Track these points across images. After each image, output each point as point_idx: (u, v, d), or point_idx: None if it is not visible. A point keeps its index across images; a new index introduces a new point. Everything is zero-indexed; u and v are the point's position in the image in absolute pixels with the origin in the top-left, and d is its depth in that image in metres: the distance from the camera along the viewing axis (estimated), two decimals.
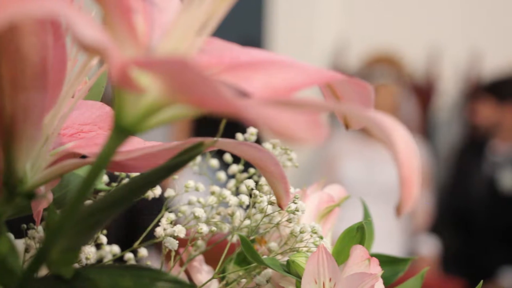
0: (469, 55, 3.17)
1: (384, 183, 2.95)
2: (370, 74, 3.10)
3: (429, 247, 2.79)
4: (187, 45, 0.33)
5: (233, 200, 0.47)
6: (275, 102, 0.30)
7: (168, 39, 0.33)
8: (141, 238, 0.48)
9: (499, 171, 2.80)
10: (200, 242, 0.50)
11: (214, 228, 0.47)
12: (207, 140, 0.38)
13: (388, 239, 2.93)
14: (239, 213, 0.49)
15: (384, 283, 0.52)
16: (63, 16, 0.26)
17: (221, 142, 0.39)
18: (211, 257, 0.53)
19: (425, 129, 3.22)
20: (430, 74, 3.21)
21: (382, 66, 3.20)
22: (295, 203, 0.45)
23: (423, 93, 3.19)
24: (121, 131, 0.33)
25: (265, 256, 0.46)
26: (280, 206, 0.41)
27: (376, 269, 0.44)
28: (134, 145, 0.41)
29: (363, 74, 3.23)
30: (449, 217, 2.89)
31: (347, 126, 0.39)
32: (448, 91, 3.30)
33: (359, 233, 0.45)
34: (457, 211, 2.88)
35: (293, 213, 0.45)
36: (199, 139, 0.37)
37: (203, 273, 0.49)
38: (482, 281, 0.45)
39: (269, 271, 0.46)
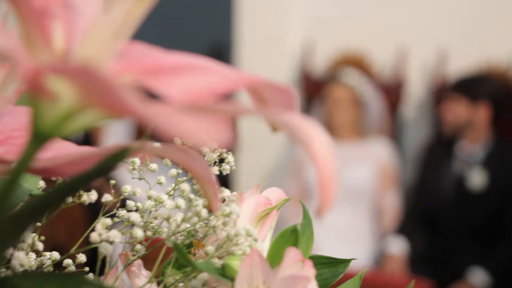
0: (436, 55, 3.20)
1: (354, 184, 2.97)
2: (336, 75, 3.12)
3: (397, 248, 2.81)
4: (104, 49, 0.33)
5: (169, 204, 0.47)
6: (188, 107, 0.30)
7: (85, 44, 0.33)
8: (77, 244, 0.48)
9: (467, 171, 2.82)
10: (139, 247, 0.50)
11: (149, 233, 0.46)
12: (134, 144, 0.37)
13: (359, 239, 2.94)
14: (179, 217, 0.49)
15: (324, 285, 0.52)
16: None
17: (149, 146, 0.39)
18: (152, 262, 0.52)
19: (393, 129, 3.24)
20: (398, 75, 3.23)
21: (348, 67, 3.21)
22: (229, 206, 0.45)
23: (391, 93, 3.21)
24: (39, 136, 0.33)
25: (201, 260, 0.46)
26: (210, 209, 0.41)
27: (309, 271, 0.44)
28: (63, 150, 0.41)
29: (329, 75, 3.24)
30: (417, 217, 2.90)
31: (273, 129, 0.39)
32: (416, 91, 3.32)
33: (293, 235, 0.45)
34: (424, 211, 2.90)
35: (228, 216, 0.45)
36: (125, 144, 0.37)
37: (141, 277, 0.49)
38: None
39: (205, 275, 0.46)
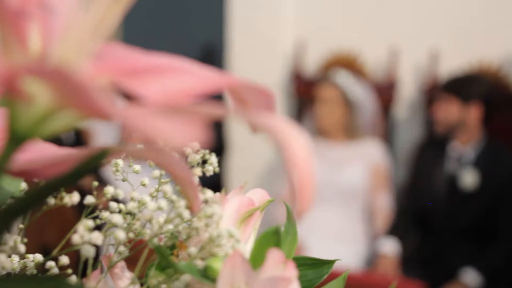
0: (428, 55, 3.20)
1: (346, 185, 2.97)
2: (327, 75, 3.12)
3: (389, 248, 2.81)
4: (80, 50, 0.33)
5: (151, 205, 0.47)
6: (165, 109, 0.30)
7: (61, 45, 0.33)
8: (60, 246, 0.48)
9: (459, 171, 2.83)
10: (122, 249, 0.50)
11: (131, 235, 0.46)
12: (113, 146, 0.37)
13: (351, 240, 2.95)
14: (162, 219, 0.49)
15: (308, 286, 0.52)
16: None
17: (129, 148, 0.39)
18: (137, 264, 0.52)
19: (385, 129, 3.24)
20: (390, 75, 3.24)
21: (339, 68, 3.21)
22: (211, 207, 0.45)
23: (384, 94, 3.21)
24: (16, 138, 0.33)
25: (184, 262, 0.46)
26: (191, 210, 0.41)
27: (292, 272, 0.44)
28: (43, 152, 0.40)
29: (321, 76, 3.24)
30: (409, 217, 2.90)
31: (253, 130, 0.39)
32: (408, 91, 3.33)
33: (276, 237, 0.45)
34: (416, 211, 2.90)
35: (210, 217, 0.45)
36: (104, 146, 0.37)
37: (124, 279, 0.49)
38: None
39: (187, 276, 0.45)
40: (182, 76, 0.34)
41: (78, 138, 2.96)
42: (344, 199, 2.99)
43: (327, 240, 2.91)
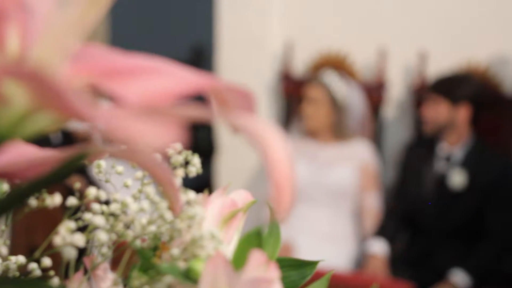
0: (416, 56, 3.21)
1: (335, 185, 2.97)
2: (315, 76, 3.12)
3: (378, 248, 2.81)
4: (58, 51, 0.32)
5: (134, 207, 0.47)
6: (143, 111, 0.30)
7: (39, 46, 0.33)
8: (42, 248, 0.47)
9: (448, 171, 2.84)
10: (105, 250, 0.50)
11: (114, 236, 0.46)
12: (94, 148, 0.37)
13: (341, 240, 2.95)
14: (145, 220, 0.49)
15: (291, 287, 0.52)
16: None
17: (110, 149, 0.39)
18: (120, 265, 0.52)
19: (374, 129, 3.25)
20: (379, 76, 3.24)
21: (328, 68, 3.21)
22: (193, 208, 0.45)
23: (373, 94, 3.21)
24: None
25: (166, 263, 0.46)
26: (173, 211, 0.41)
27: (273, 273, 0.44)
28: (23, 154, 0.40)
29: (310, 77, 3.24)
30: (398, 217, 2.91)
31: (234, 131, 0.39)
32: (397, 92, 3.33)
33: (258, 238, 0.45)
34: (405, 211, 2.91)
35: (191, 218, 0.45)
36: (84, 147, 0.37)
37: (106, 281, 0.49)
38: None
39: (169, 278, 0.45)
40: (162, 77, 0.34)
41: (66, 138, 2.95)
42: (333, 200, 2.99)
43: (317, 240, 2.91)
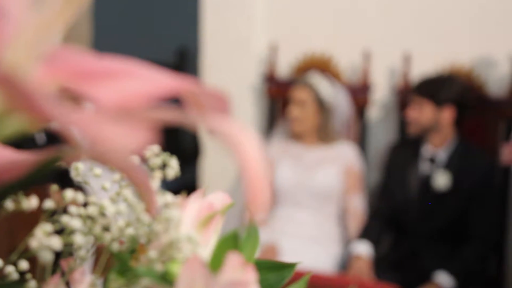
0: (401, 57, 3.22)
1: (320, 187, 2.98)
2: (300, 78, 3.13)
3: (363, 249, 2.82)
4: (31, 53, 0.32)
5: (111, 209, 0.47)
6: (115, 113, 0.30)
7: (13, 49, 0.33)
8: (18, 251, 0.47)
9: (433, 172, 2.84)
10: (83, 253, 0.50)
11: (91, 239, 0.46)
12: (68, 150, 0.37)
13: (327, 243, 2.95)
14: (123, 222, 0.48)
15: None
16: None
17: (85, 151, 0.39)
18: (99, 268, 0.52)
19: (359, 131, 3.26)
20: (364, 78, 3.25)
21: (313, 70, 3.22)
22: (169, 210, 0.45)
23: (358, 96, 3.22)
24: None
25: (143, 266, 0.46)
26: (149, 214, 0.41)
27: (250, 275, 0.44)
28: None
29: (295, 78, 3.25)
30: (382, 219, 2.91)
31: (211, 133, 0.39)
32: (381, 94, 3.34)
33: (235, 240, 0.45)
34: (389, 212, 2.91)
35: (168, 221, 0.45)
36: (58, 150, 0.37)
37: (84, 284, 0.49)
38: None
39: (146, 280, 0.45)
40: (136, 80, 0.34)
41: (52, 138, 2.93)
42: (318, 202, 2.99)
43: (301, 242, 2.91)
